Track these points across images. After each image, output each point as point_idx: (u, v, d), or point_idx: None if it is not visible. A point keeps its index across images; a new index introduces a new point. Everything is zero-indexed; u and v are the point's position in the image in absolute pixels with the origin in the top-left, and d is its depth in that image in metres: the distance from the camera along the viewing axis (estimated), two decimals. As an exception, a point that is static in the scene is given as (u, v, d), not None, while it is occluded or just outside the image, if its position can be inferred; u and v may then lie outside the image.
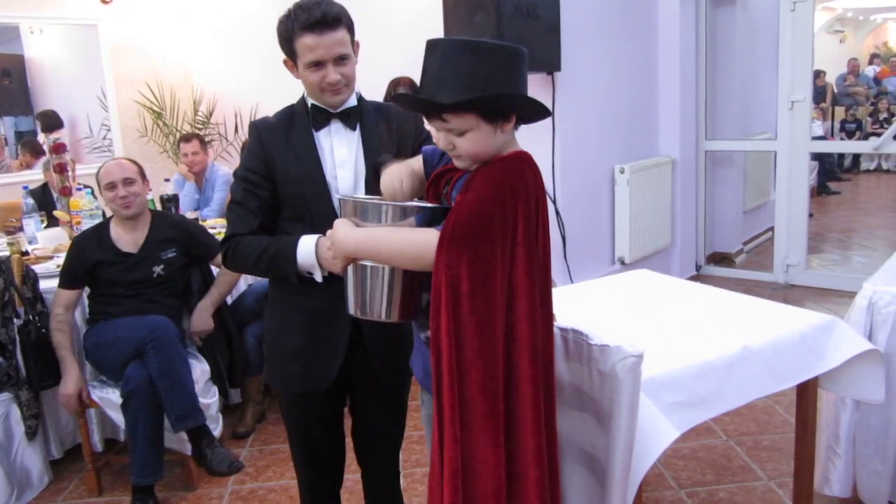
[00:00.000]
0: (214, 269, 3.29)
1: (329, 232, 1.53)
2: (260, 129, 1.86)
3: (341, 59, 1.75)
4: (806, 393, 2.20)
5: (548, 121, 4.12)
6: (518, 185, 1.38)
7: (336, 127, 1.84)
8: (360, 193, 1.82)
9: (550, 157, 4.08)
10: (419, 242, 1.38)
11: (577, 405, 1.67)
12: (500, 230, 1.34)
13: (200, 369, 3.04)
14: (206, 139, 5.61)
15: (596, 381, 1.60)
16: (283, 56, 1.80)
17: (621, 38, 4.65)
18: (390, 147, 1.85)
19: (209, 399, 3.05)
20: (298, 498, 2.77)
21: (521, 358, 1.37)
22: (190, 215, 4.26)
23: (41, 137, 6.55)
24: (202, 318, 3.13)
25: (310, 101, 1.83)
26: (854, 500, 2.41)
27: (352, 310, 1.53)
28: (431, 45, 1.39)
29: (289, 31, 1.73)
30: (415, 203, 1.52)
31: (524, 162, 1.43)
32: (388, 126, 1.88)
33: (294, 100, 1.90)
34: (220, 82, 6.10)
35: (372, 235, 1.44)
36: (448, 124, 1.39)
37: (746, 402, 1.98)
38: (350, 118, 1.84)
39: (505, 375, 1.37)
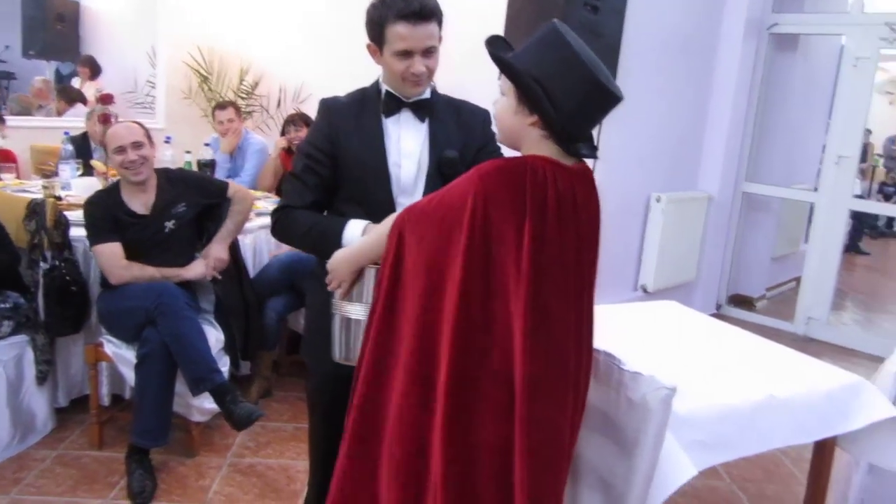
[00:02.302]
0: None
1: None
2: (330, 107, 1.85)
3: (429, 52, 1.73)
4: (823, 450, 2.17)
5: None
6: (493, 184, 1.37)
7: (406, 116, 1.82)
8: (421, 185, 1.82)
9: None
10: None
11: (600, 429, 1.65)
12: (453, 220, 1.37)
13: (215, 337, 3.02)
14: (248, 110, 5.62)
15: (623, 408, 1.58)
16: (364, 40, 1.77)
17: (678, 68, 4.62)
18: (457, 143, 1.84)
19: (220, 367, 3.02)
20: (296, 478, 2.79)
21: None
22: (223, 184, 4.26)
23: (77, 83, 6.55)
24: (216, 248, 3.07)
25: (384, 87, 1.82)
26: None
27: (336, 356, 1.66)
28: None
29: (382, 17, 1.70)
30: None
31: (519, 167, 1.40)
32: (457, 121, 1.87)
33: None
34: (269, 56, 6.09)
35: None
36: (500, 82, 1.48)
37: (765, 450, 1.96)
38: (421, 109, 1.82)
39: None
